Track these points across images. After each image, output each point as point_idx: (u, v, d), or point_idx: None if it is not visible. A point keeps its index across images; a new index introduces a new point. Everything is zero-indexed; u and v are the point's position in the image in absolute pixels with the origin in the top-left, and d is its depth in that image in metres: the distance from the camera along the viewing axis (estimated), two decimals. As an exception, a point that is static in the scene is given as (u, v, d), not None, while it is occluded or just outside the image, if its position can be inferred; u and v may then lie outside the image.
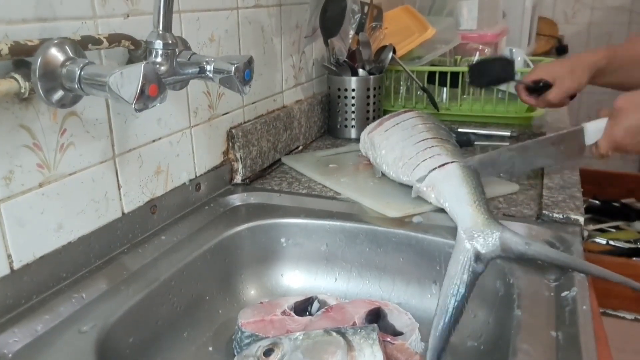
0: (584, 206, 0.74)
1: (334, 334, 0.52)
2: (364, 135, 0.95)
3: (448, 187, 0.71)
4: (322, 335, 0.52)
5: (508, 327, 0.54)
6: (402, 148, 0.85)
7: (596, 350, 0.47)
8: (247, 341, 0.59)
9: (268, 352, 0.51)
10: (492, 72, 1.06)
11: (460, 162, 0.74)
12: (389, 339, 0.57)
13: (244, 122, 0.90)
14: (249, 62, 0.61)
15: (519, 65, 1.31)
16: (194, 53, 0.62)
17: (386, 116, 0.94)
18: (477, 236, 0.61)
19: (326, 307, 0.64)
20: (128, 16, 0.63)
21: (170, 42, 0.56)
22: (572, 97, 0.98)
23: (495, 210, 0.75)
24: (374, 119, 1.16)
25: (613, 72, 0.94)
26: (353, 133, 1.15)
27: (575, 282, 0.57)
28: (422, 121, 0.90)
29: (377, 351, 0.49)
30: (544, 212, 0.72)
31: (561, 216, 0.71)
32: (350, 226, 0.73)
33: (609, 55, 0.93)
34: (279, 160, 0.99)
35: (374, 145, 0.90)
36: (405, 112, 0.93)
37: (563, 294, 0.56)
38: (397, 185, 0.83)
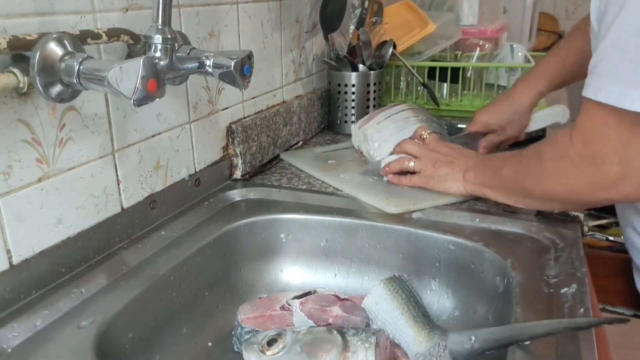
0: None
1: (335, 332, 0.52)
2: (355, 128, 0.95)
3: (383, 314, 0.61)
4: (323, 332, 0.53)
5: (507, 324, 0.54)
6: (395, 141, 0.86)
7: (595, 346, 0.47)
8: (247, 337, 0.59)
9: (271, 342, 0.52)
10: None
11: (384, 280, 0.62)
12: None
13: (244, 118, 0.90)
14: (249, 57, 0.61)
15: (519, 61, 1.31)
16: (194, 48, 0.62)
17: (377, 109, 0.95)
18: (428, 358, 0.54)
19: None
20: (127, 10, 0.63)
21: (169, 36, 0.56)
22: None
23: (495, 207, 0.74)
24: (374, 114, 1.16)
25: (565, 83, 0.91)
26: (353, 129, 1.15)
27: (575, 278, 0.57)
28: (414, 114, 0.91)
29: (371, 355, 0.50)
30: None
31: (561, 212, 0.71)
32: (350, 222, 0.73)
33: (549, 83, 0.88)
34: (279, 155, 0.99)
35: (367, 138, 0.90)
36: (397, 105, 0.94)
37: (562, 291, 0.56)
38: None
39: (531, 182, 0.65)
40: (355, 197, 0.79)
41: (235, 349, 0.61)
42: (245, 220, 0.74)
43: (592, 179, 0.58)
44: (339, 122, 1.16)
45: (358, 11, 1.12)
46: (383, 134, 0.88)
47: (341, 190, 0.82)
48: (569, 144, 0.59)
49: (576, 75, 0.87)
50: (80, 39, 0.53)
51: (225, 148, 0.86)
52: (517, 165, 0.68)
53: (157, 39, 0.55)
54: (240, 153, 0.86)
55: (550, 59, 0.89)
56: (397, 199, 0.77)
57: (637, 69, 0.51)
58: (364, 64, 1.12)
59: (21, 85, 0.49)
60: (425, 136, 0.83)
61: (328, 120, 1.19)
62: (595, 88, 0.54)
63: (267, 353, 0.51)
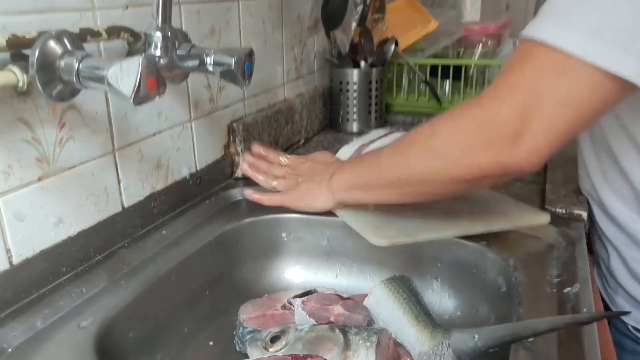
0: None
1: (337, 330, 0.52)
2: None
3: (385, 314, 0.61)
4: (325, 330, 0.53)
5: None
6: None
7: (598, 346, 0.47)
8: (248, 336, 0.59)
9: (274, 339, 0.53)
10: None
11: (384, 280, 0.63)
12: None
13: (245, 116, 0.89)
14: (250, 54, 0.61)
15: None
16: (194, 45, 0.61)
17: (364, 140, 0.87)
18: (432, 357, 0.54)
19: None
20: (127, 8, 0.62)
21: (169, 34, 0.56)
22: None
23: (497, 205, 0.74)
24: (376, 112, 1.15)
25: None
26: (355, 127, 1.14)
27: (578, 278, 0.57)
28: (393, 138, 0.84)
29: (371, 355, 0.50)
30: (546, 207, 0.72)
31: (564, 211, 0.71)
32: (352, 221, 0.73)
33: None
34: (280, 153, 0.98)
35: None
36: (390, 132, 0.91)
37: (565, 290, 0.55)
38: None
39: (416, 150, 0.57)
40: (344, 221, 0.69)
41: (237, 349, 0.61)
42: (247, 220, 0.74)
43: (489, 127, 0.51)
44: (340, 120, 1.15)
45: (360, 8, 1.11)
46: None
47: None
48: (478, 96, 0.53)
49: None
50: (80, 37, 0.52)
51: (227, 146, 0.85)
52: (395, 148, 0.60)
53: (157, 36, 0.55)
54: (242, 151, 0.86)
55: None
56: (387, 228, 0.66)
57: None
58: (365, 61, 1.12)
59: (20, 84, 0.48)
60: (284, 161, 0.79)
61: (330, 118, 1.19)
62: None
63: (270, 349, 0.52)
